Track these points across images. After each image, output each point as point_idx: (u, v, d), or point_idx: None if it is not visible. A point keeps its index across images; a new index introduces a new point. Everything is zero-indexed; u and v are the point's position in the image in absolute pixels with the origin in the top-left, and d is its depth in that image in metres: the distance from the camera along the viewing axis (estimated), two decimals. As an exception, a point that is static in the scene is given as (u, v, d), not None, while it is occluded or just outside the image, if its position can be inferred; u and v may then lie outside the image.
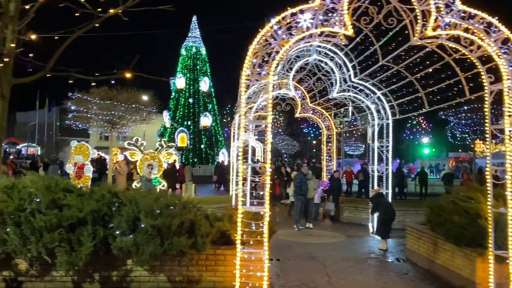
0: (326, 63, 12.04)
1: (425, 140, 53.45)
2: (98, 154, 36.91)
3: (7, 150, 43.86)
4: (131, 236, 6.19)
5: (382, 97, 11.57)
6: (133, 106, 14.97)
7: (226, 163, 27.24)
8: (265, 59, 6.47)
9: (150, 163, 14.27)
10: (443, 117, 48.44)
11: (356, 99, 12.23)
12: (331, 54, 11.43)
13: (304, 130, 59.77)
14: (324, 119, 17.14)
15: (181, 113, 33.62)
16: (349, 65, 11.35)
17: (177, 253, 6.24)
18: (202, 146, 33.34)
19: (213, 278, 6.62)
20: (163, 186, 14.33)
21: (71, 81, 3.50)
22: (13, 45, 3.48)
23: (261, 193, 6.15)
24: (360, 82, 11.46)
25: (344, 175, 20.44)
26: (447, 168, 23.24)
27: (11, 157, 29.45)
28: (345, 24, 6.20)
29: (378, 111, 11.95)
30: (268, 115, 6.27)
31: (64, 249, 5.96)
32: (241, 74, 6.43)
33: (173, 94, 35.00)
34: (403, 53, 8.63)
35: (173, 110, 34.30)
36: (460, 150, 52.54)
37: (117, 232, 6.23)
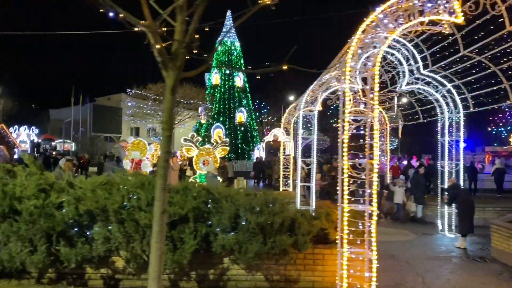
0: (392, 54, 11.63)
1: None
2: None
3: (44, 146, 44.83)
4: (232, 234, 6.03)
5: (452, 90, 11.11)
6: (191, 102, 14.85)
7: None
8: (370, 49, 6.20)
9: (205, 158, 14.15)
10: (506, 109, 46.59)
11: (424, 92, 11.78)
12: (398, 46, 11.03)
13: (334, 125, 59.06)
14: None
15: (216, 108, 33.55)
16: (418, 56, 10.92)
17: (280, 252, 6.05)
18: (238, 141, 33.23)
19: (311, 278, 6.41)
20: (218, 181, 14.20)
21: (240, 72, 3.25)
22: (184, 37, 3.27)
23: (369, 191, 5.88)
24: (430, 74, 11.02)
25: (391, 170, 19.97)
26: (497, 163, 22.43)
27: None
28: (454, 11, 5.85)
29: (447, 104, 11.49)
30: (374, 108, 5.99)
31: (167, 247, 5.84)
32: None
33: (208, 90, 34.98)
34: (493, 42, 8.18)
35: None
36: (495, 144, 50.97)
37: (217, 230, 6.09)
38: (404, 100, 22.40)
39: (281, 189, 16.71)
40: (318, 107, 11.11)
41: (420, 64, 10.97)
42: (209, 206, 6.33)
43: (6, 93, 52.88)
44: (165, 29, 3.40)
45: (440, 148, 11.69)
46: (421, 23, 6.04)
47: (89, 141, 47.84)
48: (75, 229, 5.96)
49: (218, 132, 33.40)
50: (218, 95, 34.17)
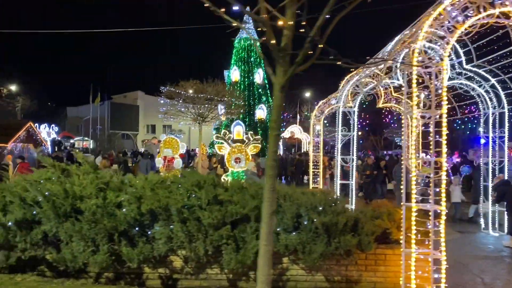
0: (431, 49, 11.36)
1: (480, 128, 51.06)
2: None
3: (63, 143, 45.22)
4: (294, 233, 5.90)
5: (497, 84, 10.82)
6: (224, 99, 14.77)
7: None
8: (437, 43, 6.01)
9: (237, 156, 14.05)
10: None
11: (466, 86, 11.50)
12: (439, 40, 10.75)
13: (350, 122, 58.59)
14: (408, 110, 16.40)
15: (233, 106, 33.37)
16: (461, 51, 10.64)
17: (344, 253, 5.90)
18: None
19: (373, 279, 6.26)
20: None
21: (339, 63, 3.12)
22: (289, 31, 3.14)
23: (437, 190, 5.70)
24: (473, 69, 10.74)
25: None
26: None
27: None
28: (526, 3, 5.63)
29: (490, 99, 11.20)
30: (443, 105, 5.79)
31: (230, 246, 5.74)
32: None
33: (227, 86, 34.83)
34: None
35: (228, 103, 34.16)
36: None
37: (279, 229, 5.96)
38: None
39: (310, 186, 16.54)
40: (358, 103, 10.92)
41: (463, 58, 10.70)
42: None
43: (25, 91, 53.52)
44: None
45: (483, 145, 11.42)
46: (490, 16, 5.84)
47: (107, 139, 48.18)
48: (136, 229, 5.89)
49: (238, 130, 33.33)
50: (237, 92, 33.99)
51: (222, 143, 14.25)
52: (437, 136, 5.77)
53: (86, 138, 51.54)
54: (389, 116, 53.44)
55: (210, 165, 15.64)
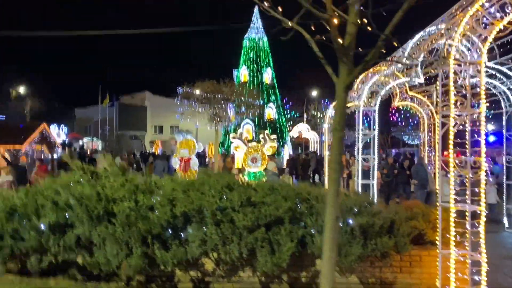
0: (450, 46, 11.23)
1: (489, 126, 50.60)
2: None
3: (72, 143, 45.36)
4: (329, 235, 5.81)
5: (520, 82, 10.68)
6: (242, 99, 14.68)
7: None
8: (474, 41, 5.90)
9: (254, 156, 13.98)
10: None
11: (488, 84, 11.34)
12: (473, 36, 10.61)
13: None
14: (424, 107, 16.25)
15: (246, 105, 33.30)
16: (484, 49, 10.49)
17: (380, 255, 5.81)
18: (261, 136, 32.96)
19: (408, 280, 6.16)
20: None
21: (392, 61, 2.99)
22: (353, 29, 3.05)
23: (476, 190, 5.59)
24: (495, 66, 10.60)
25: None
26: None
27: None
28: None
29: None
30: (482, 103, 5.68)
31: (265, 249, 5.67)
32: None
33: (236, 86, 34.79)
34: None
35: (237, 102, 34.11)
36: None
37: (312, 231, 5.88)
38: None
39: (326, 186, 16.44)
40: (379, 102, 10.82)
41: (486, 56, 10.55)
42: (299, 206, 6.13)
43: (33, 92, 53.73)
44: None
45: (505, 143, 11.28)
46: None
47: (115, 139, 48.27)
48: (169, 231, 5.83)
49: (247, 129, 33.27)
50: (246, 92, 33.94)
51: (238, 143, 14.20)
52: (475, 136, 5.66)
53: (95, 139, 51.73)
54: (396, 115, 53.20)
55: (225, 165, 15.58)
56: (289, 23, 3.27)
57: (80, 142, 52.20)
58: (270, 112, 33.49)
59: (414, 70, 11.73)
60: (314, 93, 57.11)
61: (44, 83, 69.20)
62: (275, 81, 35.37)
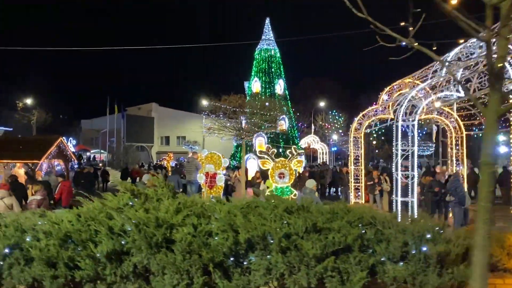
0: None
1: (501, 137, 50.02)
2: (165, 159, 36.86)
3: (82, 156, 45.09)
4: (401, 264, 5.47)
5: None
6: (270, 114, 14.43)
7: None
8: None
9: (281, 171, 13.68)
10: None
11: None
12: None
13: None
14: (451, 120, 15.96)
15: (258, 116, 33.03)
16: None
17: (458, 284, 5.45)
18: (280, 150, 32.68)
19: (481, 311, 5.78)
20: (295, 195, 13.69)
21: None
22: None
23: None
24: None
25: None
26: None
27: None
28: None
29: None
30: None
31: (336, 279, 5.32)
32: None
33: (248, 98, 34.59)
34: None
35: (249, 114, 33.86)
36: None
37: (383, 259, 5.53)
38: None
39: (352, 201, 16.10)
40: (419, 116, 10.52)
41: None
42: (365, 232, 5.79)
43: (40, 103, 53.66)
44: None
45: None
46: None
47: (123, 151, 48.02)
48: (231, 259, 5.49)
49: (260, 141, 33.00)
50: (258, 103, 33.68)
51: (266, 158, 13.90)
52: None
53: (103, 151, 51.49)
54: (404, 125, 52.91)
55: (253, 180, 15.22)
56: (402, 40, 2.97)
57: (88, 154, 51.96)
58: (283, 123, 33.24)
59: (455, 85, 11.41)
60: (322, 103, 56.95)
61: (50, 95, 69.16)
62: (287, 92, 35.22)
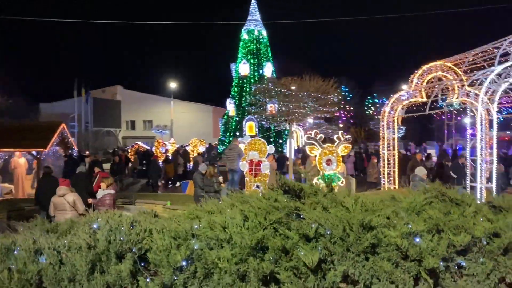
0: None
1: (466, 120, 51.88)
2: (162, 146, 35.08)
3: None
4: None
5: None
6: (321, 96, 13.53)
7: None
8: None
9: (329, 158, 13.00)
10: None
11: None
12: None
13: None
14: (482, 103, 15.92)
15: (247, 100, 32.06)
16: None
17: None
18: (271, 134, 31.99)
19: None
20: (342, 182, 13.09)
21: None
22: None
23: None
24: None
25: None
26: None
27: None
28: None
29: None
30: None
31: None
32: None
33: (235, 81, 33.45)
34: None
35: (237, 97, 32.79)
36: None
37: None
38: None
39: (386, 187, 15.77)
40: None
41: None
42: None
43: (-3, 88, 49.31)
44: None
45: None
46: None
47: (93, 136, 45.36)
48: (441, 264, 4.75)
49: (250, 125, 32.12)
50: (247, 87, 32.71)
51: (313, 144, 13.15)
52: None
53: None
54: (373, 108, 53.93)
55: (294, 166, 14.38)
56: None
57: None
58: (272, 107, 32.50)
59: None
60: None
61: (7, 77, 63.82)
62: (275, 75, 34.37)
